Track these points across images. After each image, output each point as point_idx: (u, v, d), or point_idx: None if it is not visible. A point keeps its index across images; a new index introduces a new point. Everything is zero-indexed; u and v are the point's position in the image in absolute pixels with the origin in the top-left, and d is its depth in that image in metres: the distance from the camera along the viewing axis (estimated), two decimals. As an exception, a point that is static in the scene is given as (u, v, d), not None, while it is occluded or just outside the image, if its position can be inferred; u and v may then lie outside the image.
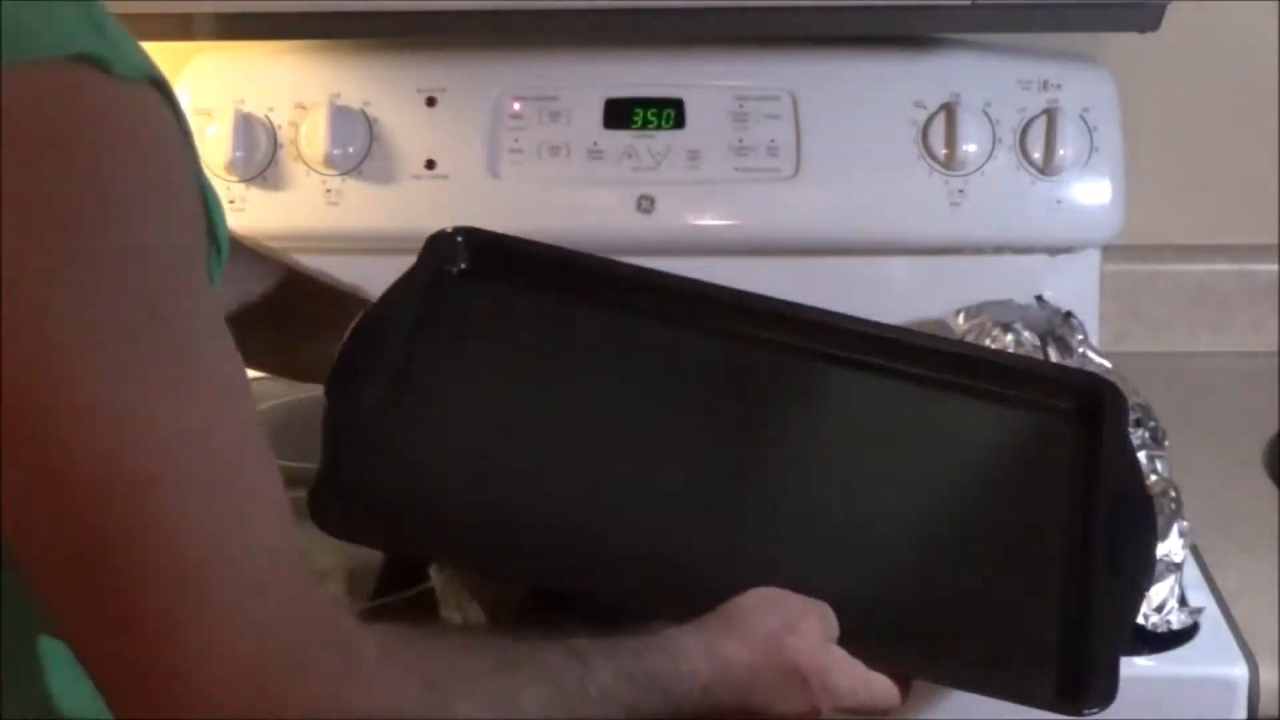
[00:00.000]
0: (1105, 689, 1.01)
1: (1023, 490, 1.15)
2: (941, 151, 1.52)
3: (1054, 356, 1.44)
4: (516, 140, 1.53)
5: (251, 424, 0.81)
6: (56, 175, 0.74)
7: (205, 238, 0.82)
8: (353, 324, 1.13)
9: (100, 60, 0.76)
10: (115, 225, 0.75)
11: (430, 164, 1.53)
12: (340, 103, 1.52)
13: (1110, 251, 1.59)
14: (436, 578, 1.14)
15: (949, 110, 1.52)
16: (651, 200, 1.53)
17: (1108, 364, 1.43)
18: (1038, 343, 1.45)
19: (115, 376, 0.74)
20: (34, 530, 0.75)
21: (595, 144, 1.53)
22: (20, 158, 0.73)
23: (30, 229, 0.73)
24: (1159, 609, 1.14)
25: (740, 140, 1.53)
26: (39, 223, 0.74)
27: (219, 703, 0.74)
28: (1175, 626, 1.14)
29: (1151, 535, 1.10)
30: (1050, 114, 1.52)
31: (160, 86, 0.80)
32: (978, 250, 1.56)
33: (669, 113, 1.53)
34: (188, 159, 0.81)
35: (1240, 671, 1.13)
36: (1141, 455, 1.27)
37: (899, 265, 1.58)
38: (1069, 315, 1.49)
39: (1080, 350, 1.45)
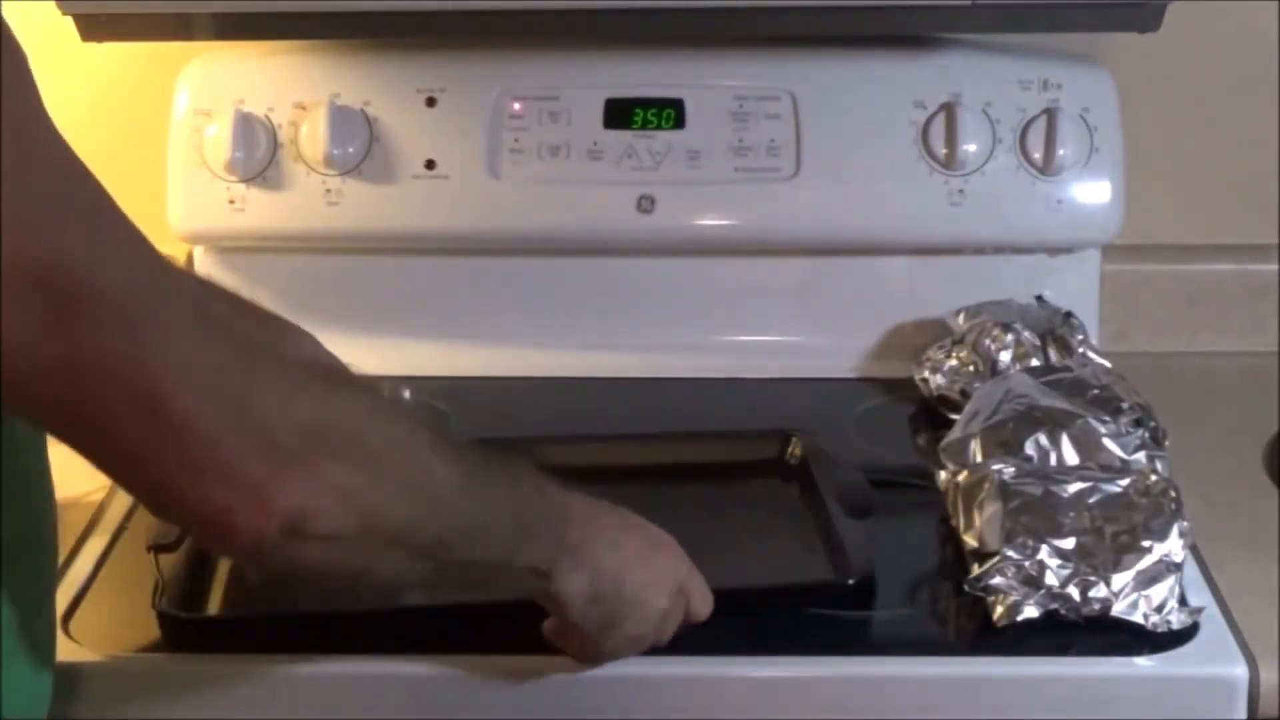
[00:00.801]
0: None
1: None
2: (941, 151, 1.52)
3: (1054, 356, 1.44)
4: (516, 140, 1.53)
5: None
6: None
7: None
8: None
9: None
10: None
11: (430, 164, 1.53)
12: (340, 103, 1.52)
13: (1110, 251, 1.59)
14: None
15: (949, 110, 1.52)
16: (651, 200, 1.53)
17: (1107, 364, 1.43)
18: (1038, 343, 1.45)
19: None
20: None
21: (595, 144, 1.53)
22: None
23: None
24: (1159, 609, 1.14)
25: (740, 140, 1.53)
26: None
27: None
28: (1175, 626, 1.14)
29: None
30: (1050, 114, 1.52)
31: None
32: (978, 250, 1.56)
33: (669, 113, 1.53)
34: None
35: (1240, 671, 1.13)
36: (1141, 455, 1.27)
37: (899, 265, 1.58)
38: (1069, 315, 1.49)
39: (1080, 350, 1.45)
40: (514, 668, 1.12)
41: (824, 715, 1.13)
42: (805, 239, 1.56)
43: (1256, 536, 1.29)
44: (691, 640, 1.12)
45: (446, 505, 0.94)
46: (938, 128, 1.52)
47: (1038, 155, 1.52)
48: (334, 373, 0.94)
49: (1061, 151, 1.52)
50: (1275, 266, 1.63)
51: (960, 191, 1.52)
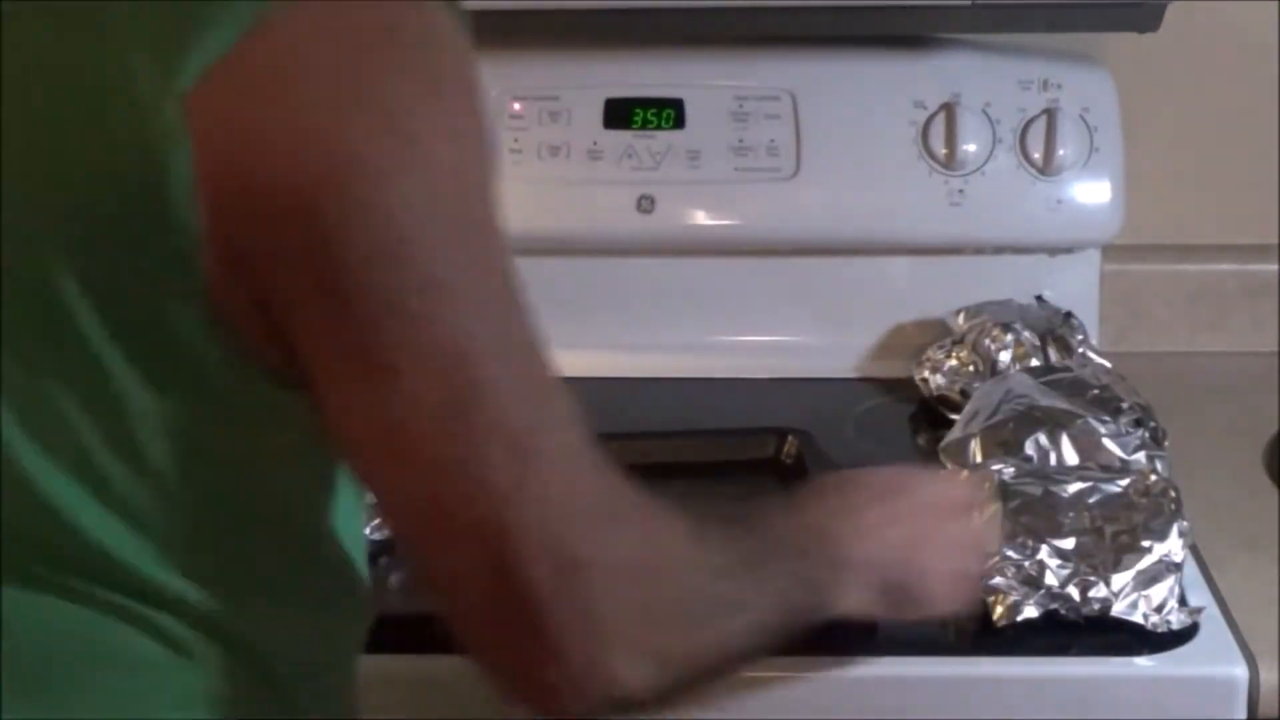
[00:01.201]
0: None
1: None
2: (941, 151, 1.52)
3: (1054, 356, 1.44)
4: (516, 140, 1.53)
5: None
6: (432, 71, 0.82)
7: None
8: None
9: None
10: (464, 141, 0.83)
11: (430, 164, 1.53)
12: (340, 103, 1.52)
13: (1110, 251, 1.59)
14: None
15: (949, 110, 1.52)
16: (651, 200, 1.53)
17: (1107, 364, 1.43)
18: (1038, 342, 1.45)
19: (456, 259, 0.83)
20: (392, 395, 0.81)
21: (595, 144, 1.53)
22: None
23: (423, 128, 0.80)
24: (1159, 609, 1.14)
25: (740, 140, 1.53)
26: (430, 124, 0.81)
27: (557, 537, 0.83)
28: (1175, 626, 1.14)
29: None
30: (1050, 114, 1.52)
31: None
32: (978, 250, 1.56)
33: (669, 113, 1.53)
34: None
35: (1240, 671, 1.13)
36: (1141, 455, 1.27)
37: (899, 265, 1.58)
38: (1069, 315, 1.49)
39: (1080, 350, 1.45)
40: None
41: (824, 715, 1.13)
42: (805, 239, 1.56)
43: (1256, 536, 1.29)
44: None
45: (745, 614, 0.95)
46: (938, 128, 1.52)
47: (1038, 155, 1.52)
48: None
49: (1061, 151, 1.52)
50: (1275, 266, 1.63)
51: (960, 191, 1.52)
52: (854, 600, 1.03)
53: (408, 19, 0.82)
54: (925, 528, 1.08)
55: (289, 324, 0.81)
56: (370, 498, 0.89)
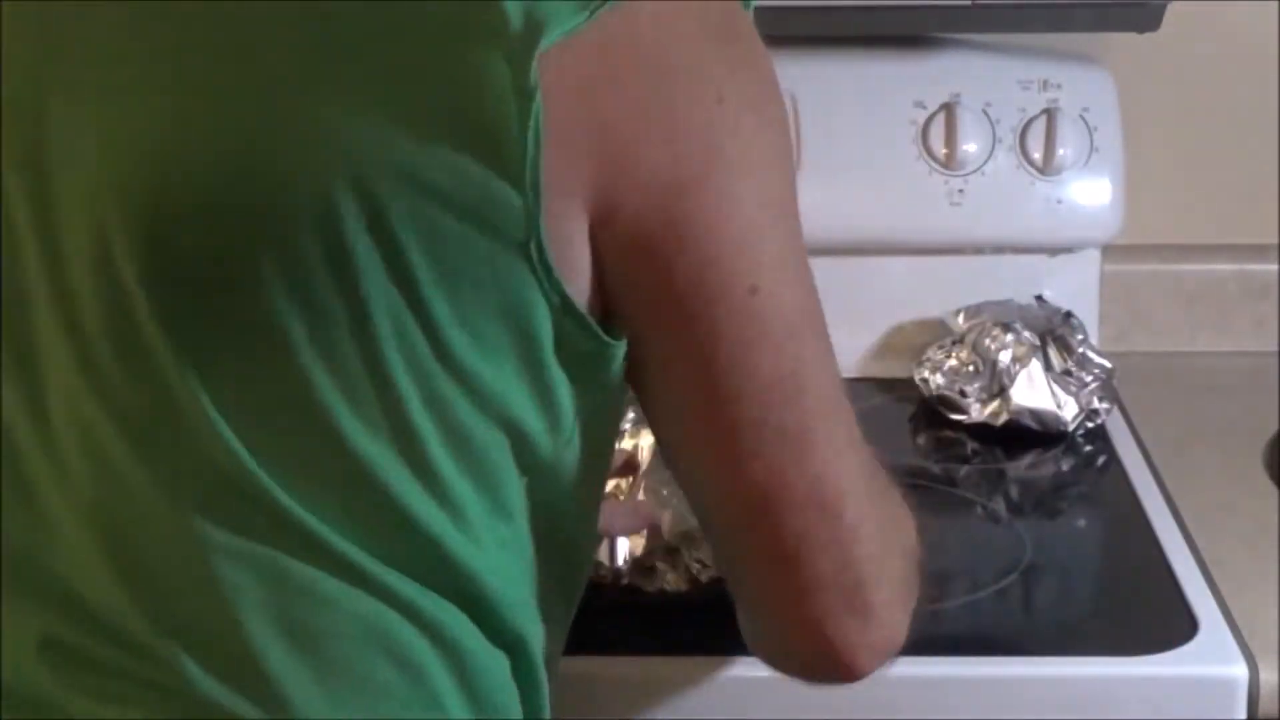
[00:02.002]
0: None
1: None
2: (941, 151, 1.52)
3: (1054, 357, 1.44)
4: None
5: None
6: (764, 75, 0.88)
7: None
8: None
9: None
10: (783, 120, 0.88)
11: (430, 164, 1.53)
12: (340, 103, 1.52)
13: (1110, 251, 1.59)
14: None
15: (949, 110, 1.52)
16: (651, 200, 1.53)
17: (1108, 364, 1.43)
18: (1038, 342, 1.45)
19: (792, 244, 0.90)
20: (735, 368, 0.85)
21: (595, 144, 1.53)
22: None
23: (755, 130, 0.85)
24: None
25: (740, 140, 1.53)
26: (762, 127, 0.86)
27: (869, 504, 0.91)
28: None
29: None
30: (1050, 114, 1.52)
31: None
32: (978, 250, 1.56)
33: (669, 113, 1.53)
34: None
35: (1240, 671, 1.13)
36: None
37: (899, 265, 1.58)
38: (1069, 315, 1.49)
39: (1080, 350, 1.45)
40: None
41: (824, 715, 1.12)
42: (805, 239, 1.55)
43: (1256, 536, 1.29)
44: (692, 640, 1.12)
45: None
46: (938, 128, 1.52)
47: (1038, 155, 1.52)
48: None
49: (1061, 151, 1.52)
50: (1275, 266, 1.63)
51: (960, 191, 1.52)
52: None
53: (740, 15, 0.88)
54: None
55: (628, 310, 0.85)
56: (687, 486, 0.92)
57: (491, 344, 0.83)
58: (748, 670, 1.14)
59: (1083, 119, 1.53)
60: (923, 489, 1.33)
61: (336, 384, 0.82)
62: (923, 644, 1.16)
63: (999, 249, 1.56)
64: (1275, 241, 1.63)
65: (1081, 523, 1.42)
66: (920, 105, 1.53)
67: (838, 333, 1.61)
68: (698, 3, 0.84)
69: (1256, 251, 1.64)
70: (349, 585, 0.84)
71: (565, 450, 0.89)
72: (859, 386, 1.55)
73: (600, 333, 0.85)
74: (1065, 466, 1.47)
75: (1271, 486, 1.38)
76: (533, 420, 0.86)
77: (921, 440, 1.47)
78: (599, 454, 0.92)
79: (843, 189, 1.53)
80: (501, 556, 0.88)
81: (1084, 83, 1.54)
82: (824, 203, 1.54)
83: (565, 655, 1.10)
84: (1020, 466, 1.44)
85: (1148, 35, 1.45)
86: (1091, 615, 1.23)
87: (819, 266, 1.61)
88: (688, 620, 1.17)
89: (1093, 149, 1.53)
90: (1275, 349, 1.62)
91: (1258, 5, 1.58)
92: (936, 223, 1.53)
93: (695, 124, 0.83)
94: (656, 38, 0.82)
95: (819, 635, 0.90)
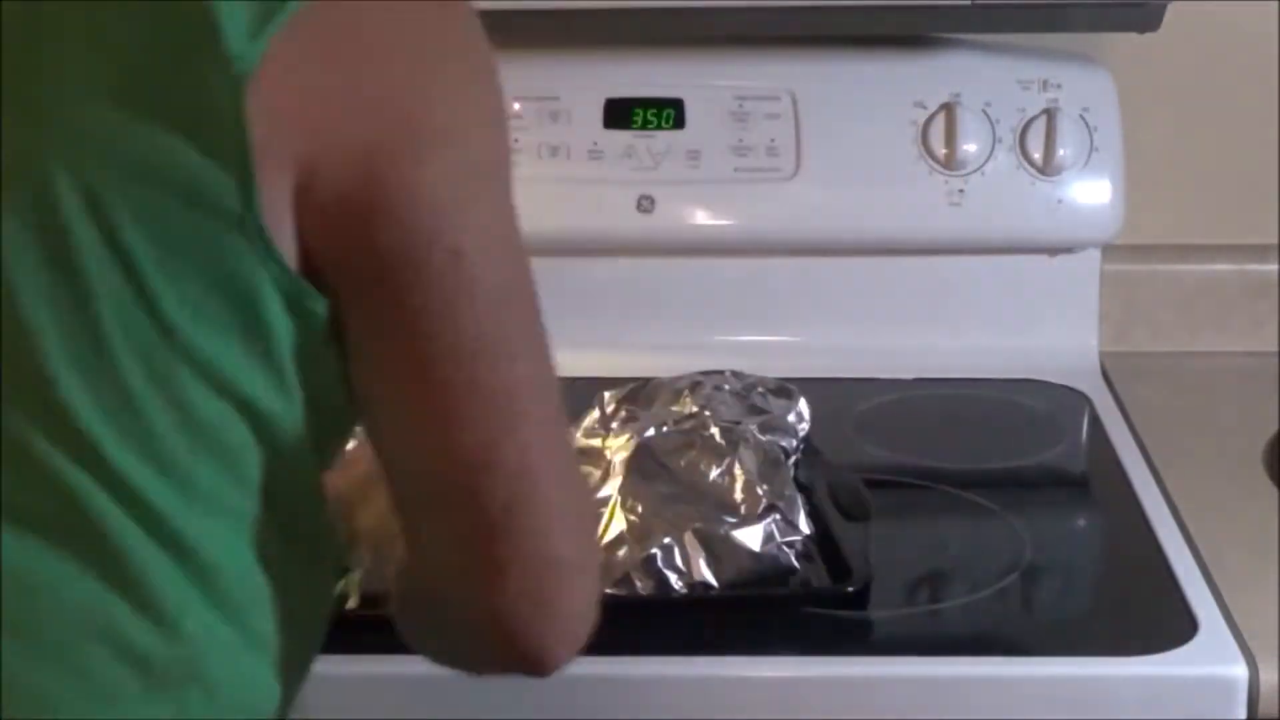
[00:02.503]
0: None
1: None
2: (941, 151, 1.52)
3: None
4: (516, 140, 1.53)
5: None
6: (467, 42, 0.88)
7: None
8: None
9: None
10: (494, 88, 0.89)
11: (430, 164, 1.53)
12: (340, 103, 1.52)
13: (1110, 251, 1.59)
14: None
15: (949, 110, 1.52)
16: (651, 200, 1.53)
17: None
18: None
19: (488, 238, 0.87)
20: (437, 328, 0.85)
21: (595, 144, 1.53)
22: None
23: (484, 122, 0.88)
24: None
25: (740, 140, 1.53)
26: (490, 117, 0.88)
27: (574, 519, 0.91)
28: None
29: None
30: (1050, 114, 1.52)
31: None
32: (978, 250, 1.56)
33: (669, 113, 1.53)
34: None
35: (1240, 671, 1.13)
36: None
37: (899, 265, 1.58)
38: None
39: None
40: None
41: (824, 715, 1.13)
42: (805, 239, 1.56)
43: (1256, 536, 1.29)
44: (692, 640, 1.12)
45: None
46: (938, 128, 1.52)
47: (1038, 155, 1.52)
48: None
49: (1061, 151, 1.52)
50: (1275, 266, 1.63)
51: (960, 191, 1.52)
52: None
53: (458, 7, 0.88)
54: None
55: (331, 275, 0.85)
56: (391, 465, 0.91)
57: (214, 319, 0.84)
58: (747, 670, 1.14)
59: (1083, 119, 1.53)
60: (923, 489, 1.33)
61: (66, 357, 0.83)
62: (923, 644, 1.17)
63: (999, 249, 1.56)
64: (1275, 241, 1.63)
65: (1081, 523, 1.42)
66: (920, 105, 1.53)
67: (838, 333, 1.63)
68: None
69: (1256, 251, 1.64)
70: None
71: (299, 423, 0.89)
72: (859, 386, 1.55)
73: (320, 317, 0.86)
74: (1065, 466, 1.48)
75: (1271, 486, 1.38)
76: (261, 392, 0.86)
77: (921, 440, 1.46)
78: (334, 426, 0.92)
79: (843, 189, 1.53)
80: (233, 526, 0.88)
81: (1084, 83, 1.54)
82: (824, 203, 1.54)
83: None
84: (1020, 467, 1.44)
85: (1148, 35, 1.45)
86: (1091, 615, 1.23)
87: (820, 266, 1.63)
88: (687, 620, 1.17)
89: (1093, 149, 1.53)
90: (1275, 349, 1.62)
91: (1258, 5, 1.58)
92: (936, 223, 1.53)
93: (393, 88, 0.84)
94: (346, 9, 0.84)
95: (509, 618, 0.89)
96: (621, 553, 1.17)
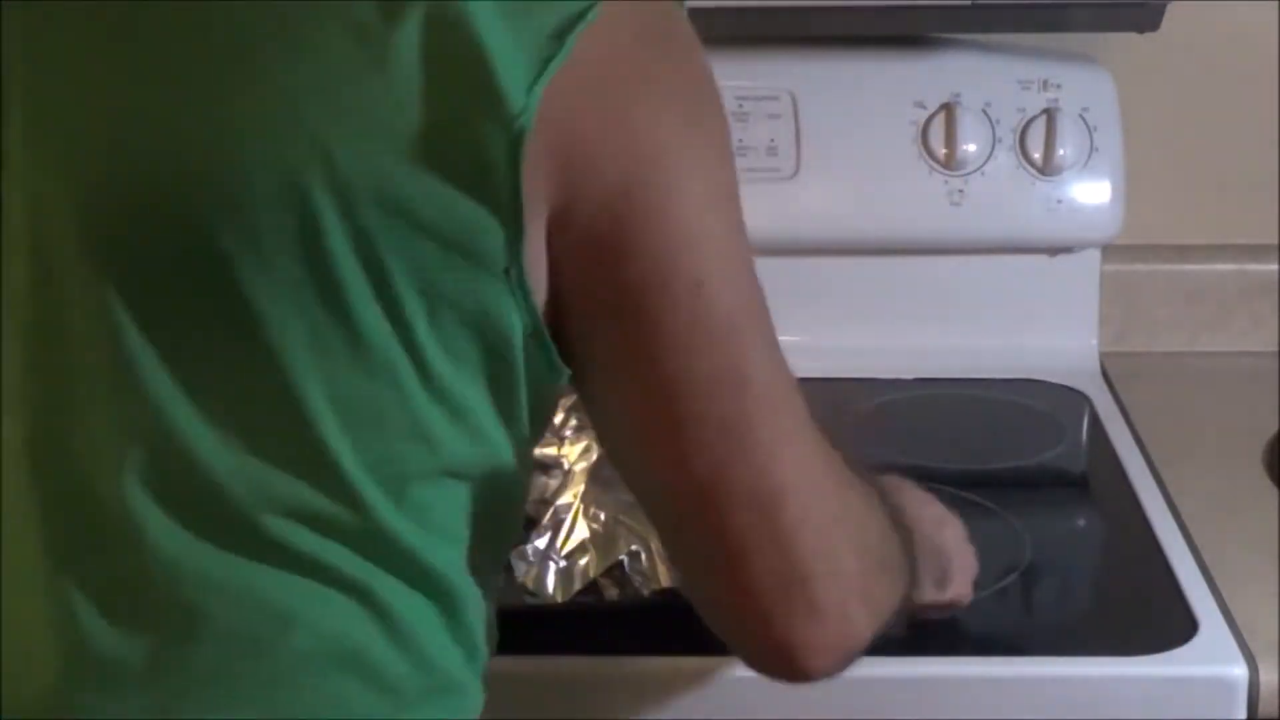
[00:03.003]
0: None
1: None
2: (941, 151, 1.52)
3: None
4: (516, 140, 1.53)
5: None
6: (701, 73, 0.90)
7: None
8: None
9: None
10: (722, 118, 0.91)
11: (430, 164, 1.53)
12: (340, 103, 1.52)
13: (1110, 251, 1.59)
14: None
15: (949, 110, 1.52)
16: (651, 200, 1.53)
17: None
18: None
19: (733, 248, 0.93)
20: (674, 366, 0.87)
21: (595, 144, 1.53)
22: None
23: (687, 116, 0.88)
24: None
25: (740, 140, 1.53)
26: (694, 112, 0.89)
27: (815, 499, 0.90)
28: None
29: None
30: (1050, 114, 1.52)
31: None
32: (978, 250, 1.56)
33: (669, 113, 1.53)
34: None
35: (1240, 671, 1.13)
36: None
37: (899, 265, 1.58)
38: None
39: None
40: (517, 669, 1.12)
41: (824, 715, 1.13)
42: (805, 239, 1.56)
43: (1256, 536, 1.29)
44: (695, 641, 1.12)
45: (903, 574, 1.00)
46: (938, 128, 1.52)
47: (1037, 155, 1.52)
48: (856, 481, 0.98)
49: (1061, 151, 1.52)
50: (1275, 266, 1.63)
51: (960, 191, 1.52)
52: (925, 587, 1.07)
53: (675, 16, 0.91)
54: (960, 531, 1.12)
55: (576, 303, 0.87)
56: (634, 487, 0.94)
57: (468, 362, 0.86)
58: (747, 670, 1.14)
59: (1083, 119, 1.53)
60: (922, 488, 1.33)
61: (328, 399, 0.84)
62: (923, 644, 1.16)
63: (999, 249, 1.56)
64: (1275, 241, 1.63)
65: (1081, 523, 1.42)
66: (920, 105, 1.53)
67: (837, 333, 1.63)
68: (633, 7, 0.86)
69: (1256, 251, 1.64)
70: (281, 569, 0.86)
71: (520, 453, 0.91)
72: (860, 386, 1.55)
73: (558, 360, 0.88)
74: (1065, 466, 1.48)
75: (1271, 486, 1.38)
76: (494, 428, 0.88)
77: (921, 440, 1.46)
78: (536, 435, 0.94)
79: (843, 189, 1.53)
80: (460, 551, 0.90)
81: (1084, 83, 1.54)
82: (824, 203, 1.54)
83: (563, 656, 1.10)
84: (1020, 467, 1.44)
85: (1148, 35, 1.45)
86: (1091, 615, 1.23)
87: (820, 266, 1.63)
88: (684, 620, 1.17)
89: (1093, 149, 1.53)
90: (1275, 349, 1.62)
91: (1258, 5, 1.58)
92: (936, 223, 1.53)
93: (640, 126, 0.85)
94: (601, 52, 0.84)
95: (766, 634, 0.91)
96: (584, 560, 1.16)
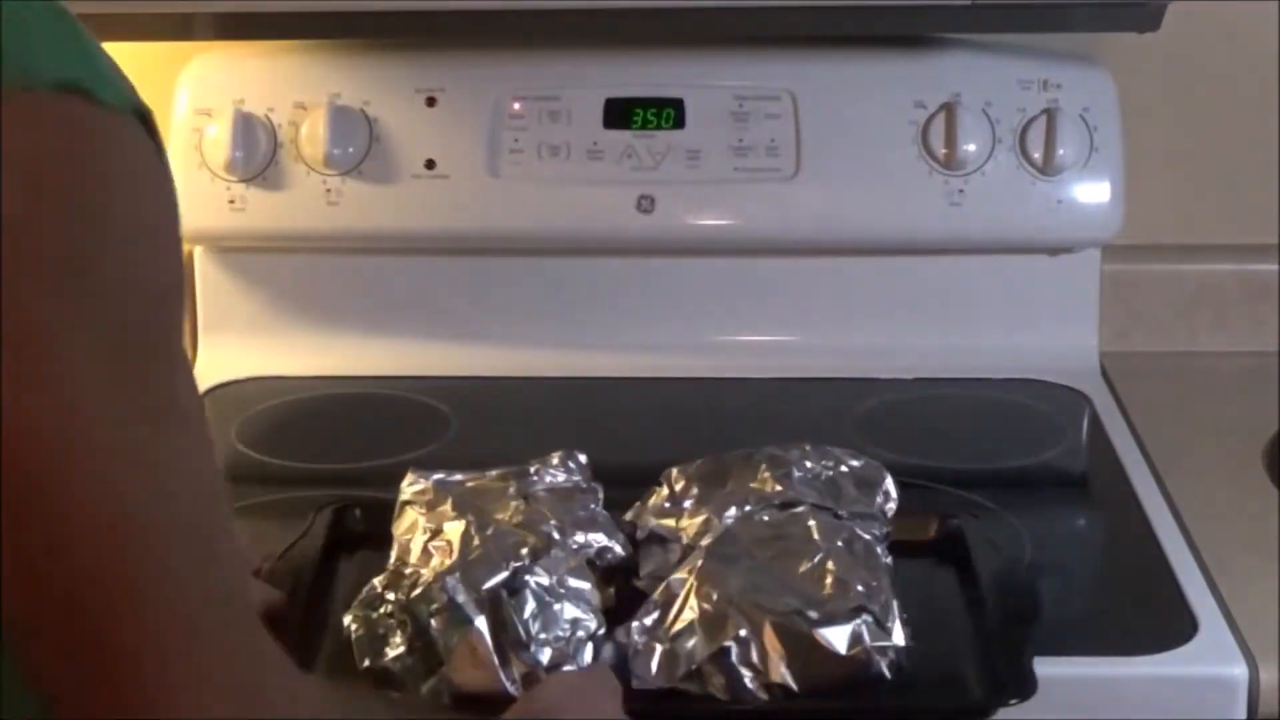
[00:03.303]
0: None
1: None
2: (941, 151, 1.52)
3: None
4: (516, 140, 1.53)
5: (214, 464, 0.81)
6: (52, 209, 0.73)
7: (182, 264, 0.82)
8: None
9: (87, 89, 0.75)
10: (109, 259, 0.75)
11: (430, 164, 1.53)
12: (340, 103, 1.52)
13: (1110, 251, 1.59)
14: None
15: (949, 110, 1.52)
16: (651, 200, 1.53)
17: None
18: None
19: (108, 415, 0.73)
20: (26, 566, 0.73)
21: (595, 144, 1.53)
22: (15, 189, 0.72)
23: (25, 261, 0.72)
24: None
25: (740, 140, 1.53)
26: (33, 255, 0.72)
27: None
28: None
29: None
30: (1050, 114, 1.52)
31: (144, 118, 0.79)
32: (978, 250, 1.56)
33: (669, 113, 1.53)
34: (168, 188, 0.80)
35: (1240, 671, 1.13)
36: None
37: (899, 265, 1.58)
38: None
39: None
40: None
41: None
42: (805, 239, 1.56)
43: (1256, 537, 1.29)
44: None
45: None
46: (938, 128, 1.52)
47: (1038, 155, 1.52)
48: None
49: (1061, 151, 1.52)
50: (1275, 266, 1.63)
51: (960, 191, 1.52)
52: None
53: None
54: (568, 678, 1.05)
55: None
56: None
57: None
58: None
59: (1083, 119, 1.53)
60: (923, 489, 1.33)
61: None
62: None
63: (999, 249, 1.56)
64: (1275, 241, 1.63)
65: (1081, 523, 1.42)
66: (920, 105, 1.53)
67: (838, 333, 1.63)
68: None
69: (1256, 251, 1.64)
70: None
71: None
72: (859, 386, 1.55)
73: None
74: (1065, 466, 1.47)
75: (1271, 486, 1.38)
76: None
77: (921, 440, 1.46)
78: None
79: (843, 189, 1.53)
80: None
81: (1084, 83, 1.54)
82: (824, 203, 1.54)
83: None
84: (1020, 467, 1.44)
85: (1148, 35, 1.45)
86: (1091, 615, 1.23)
87: (820, 266, 1.63)
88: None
89: (1093, 149, 1.53)
90: (1275, 349, 1.62)
91: (1258, 5, 1.58)
92: (936, 223, 1.53)
93: None
94: None
95: None
96: (692, 643, 1.07)
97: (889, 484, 1.23)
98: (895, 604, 1.09)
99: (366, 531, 1.25)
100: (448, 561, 1.10)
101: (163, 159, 0.80)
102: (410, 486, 1.20)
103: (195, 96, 1.54)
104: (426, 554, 1.12)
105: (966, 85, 1.53)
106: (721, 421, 1.49)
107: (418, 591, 1.08)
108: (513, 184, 1.53)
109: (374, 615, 1.10)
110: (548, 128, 1.53)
